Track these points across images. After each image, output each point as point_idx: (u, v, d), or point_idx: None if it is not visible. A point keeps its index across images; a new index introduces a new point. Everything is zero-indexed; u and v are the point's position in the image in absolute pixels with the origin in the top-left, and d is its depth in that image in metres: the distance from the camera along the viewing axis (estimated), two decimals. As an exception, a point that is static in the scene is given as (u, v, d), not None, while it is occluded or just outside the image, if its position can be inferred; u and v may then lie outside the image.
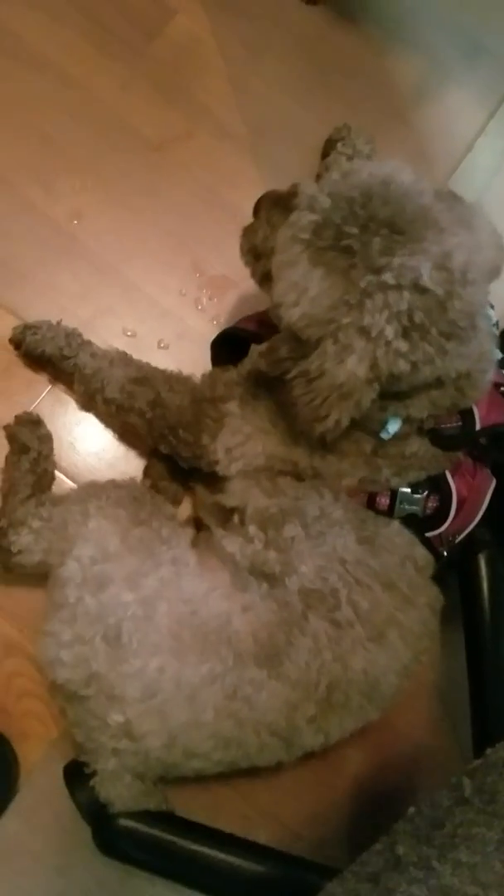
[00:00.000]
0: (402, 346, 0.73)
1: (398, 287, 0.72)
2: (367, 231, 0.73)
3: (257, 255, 0.89)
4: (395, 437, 0.84)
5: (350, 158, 1.22)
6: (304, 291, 0.75)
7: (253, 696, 0.86)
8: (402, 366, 0.74)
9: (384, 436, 0.83)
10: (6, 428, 1.08)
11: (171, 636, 0.87)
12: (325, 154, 1.26)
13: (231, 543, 0.92)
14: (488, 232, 0.80)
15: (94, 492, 0.99)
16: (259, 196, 0.90)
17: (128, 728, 0.87)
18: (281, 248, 0.79)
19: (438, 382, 0.79)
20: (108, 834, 0.96)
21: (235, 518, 0.94)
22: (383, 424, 0.82)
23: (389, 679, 0.90)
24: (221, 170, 1.27)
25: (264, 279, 0.87)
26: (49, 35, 1.26)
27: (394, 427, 0.82)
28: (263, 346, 0.90)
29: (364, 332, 0.73)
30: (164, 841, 0.96)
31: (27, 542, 0.96)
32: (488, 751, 0.68)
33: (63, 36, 1.27)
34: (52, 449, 1.10)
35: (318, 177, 1.25)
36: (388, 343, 0.73)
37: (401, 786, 1.11)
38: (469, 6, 1.42)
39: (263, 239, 0.87)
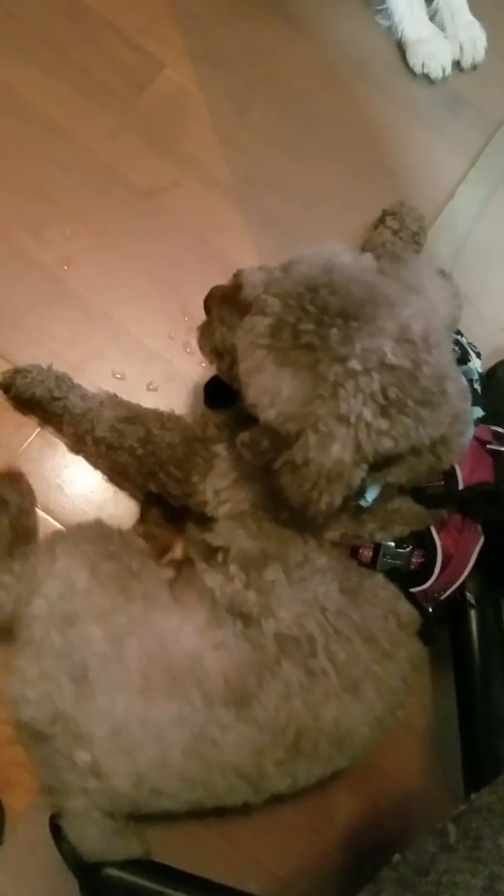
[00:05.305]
0: (383, 424, 0.74)
1: (366, 371, 0.73)
2: (322, 324, 0.75)
3: (219, 355, 0.90)
4: (376, 498, 0.84)
5: (395, 233, 1.26)
6: (277, 393, 0.76)
7: (220, 738, 0.85)
8: (387, 443, 0.74)
9: (363, 503, 0.83)
10: None
11: (139, 674, 0.87)
12: (377, 226, 1.30)
13: (212, 579, 0.92)
14: (438, 288, 0.82)
15: (61, 536, 1.00)
16: (207, 292, 0.93)
17: (95, 767, 0.86)
18: (244, 355, 0.80)
19: (414, 451, 0.79)
20: (96, 885, 0.94)
21: (220, 556, 0.93)
22: (362, 492, 0.82)
23: (361, 731, 0.90)
24: (209, 217, 1.29)
25: (232, 373, 0.87)
26: (40, 87, 1.30)
27: (372, 494, 0.82)
28: (246, 437, 0.89)
29: (342, 419, 0.74)
30: (153, 892, 0.94)
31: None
32: (473, 796, 0.67)
33: (54, 88, 1.30)
34: (34, 502, 1.10)
35: (363, 247, 1.29)
36: (367, 425, 0.74)
37: (392, 832, 1.09)
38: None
39: (221, 339, 0.89)
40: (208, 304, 0.92)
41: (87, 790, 0.87)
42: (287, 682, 0.86)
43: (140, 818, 1.00)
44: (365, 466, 0.76)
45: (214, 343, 0.90)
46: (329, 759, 0.91)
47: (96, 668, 0.86)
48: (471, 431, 0.86)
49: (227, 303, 0.88)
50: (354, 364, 0.73)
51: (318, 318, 0.75)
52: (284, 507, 0.84)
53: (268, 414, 0.78)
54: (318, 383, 0.74)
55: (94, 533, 0.99)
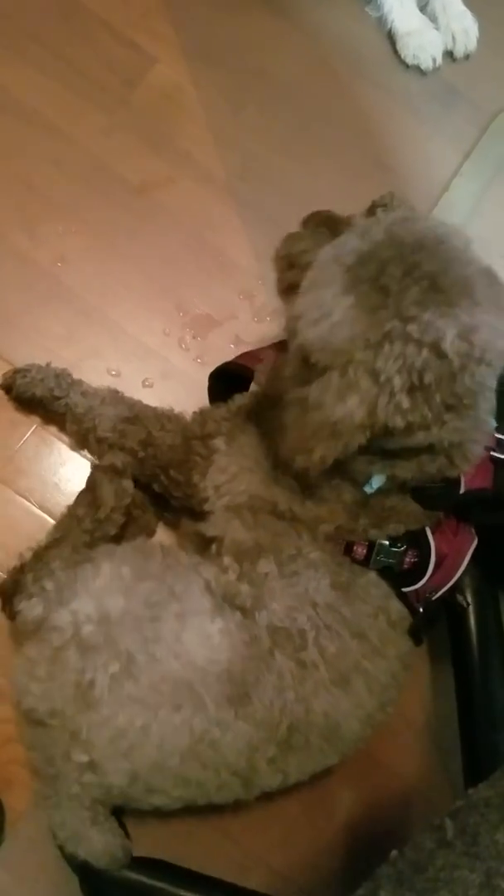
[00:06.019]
0: (405, 401, 0.72)
1: (419, 342, 0.71)
2: (409, 277, 0.72)
3: (290, 264, 0.87)
4: (380, 489, 0.83)
5: None
6: (329, 314, 0.73)
7: (219, 739, 0.85)
8: (399, 422, 0.73)
9: (367, 490, 0.82)
10: (94, 468, 1.04)
11: (150, 688, 0.85)
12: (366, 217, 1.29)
13: (206, 571, 0.92)
14: None
15: (110, 552, 0.96)
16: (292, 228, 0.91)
17: (91, 766, 0.86)
18: (319, 265, 0.77)
19: (430, 448, 0.78)
20: (96, 882, 0.94)
21: (213, 548, 0.93)
22: (367, 478, 0.82)
23: (351, 725, 0.90)
24: (203, 214, 1.29)
25: (289, 290, 0.85)
26: (32, 84, 1.29)
27: (377, 482, 0.81)
28: (268, 362, 0.87)
29: (373, 374, 0.72)
30: (154, 889, 0.94)
31: (35, 611, 0.92)
32: (470, 791, 0.67)
33: (46, 85, 1.30)
34: (123, 510, 1.02)
35: None
36: (392, 393, 0.72)
37: (393, 828, 1.09)
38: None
39: (302, 251, 0.86)
40: (309, 218, 0.89)
41: (83, 782, 0.87)
42: (280, 673, 0.86)
43: (140, 815, 1.00)
44: (368, 434, 0.74)
45: (292, 251, 0.87)
46: (320, 754, 0.91)
47: (104, 686, 0.85)
48: (485, 441, 0.85)
49: (327, 224, 0.85)
50: (413, 329, 0.70)
51: (409, 270, 0.72)
52: (273, 451, 0.81)
53: (307, 333, 0.75)
54: (371, 326, 0.72)
55: (137, 550, 0.96)
